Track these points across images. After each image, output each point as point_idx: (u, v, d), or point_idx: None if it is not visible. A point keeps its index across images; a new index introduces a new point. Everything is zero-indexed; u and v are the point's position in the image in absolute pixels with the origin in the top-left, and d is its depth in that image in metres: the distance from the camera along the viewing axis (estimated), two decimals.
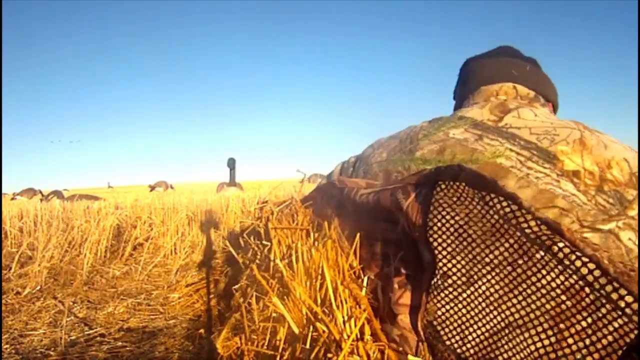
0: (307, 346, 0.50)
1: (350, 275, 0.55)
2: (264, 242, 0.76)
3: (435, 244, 0.44)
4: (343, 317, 0.48)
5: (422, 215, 0.44)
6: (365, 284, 0.53)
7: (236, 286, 1.01)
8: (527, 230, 0.38)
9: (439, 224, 0.43)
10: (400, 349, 0.45)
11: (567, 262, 0.36)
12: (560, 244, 0.36)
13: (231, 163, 6.19)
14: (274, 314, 0.61)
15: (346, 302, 0.49)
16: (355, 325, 0.46)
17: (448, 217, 0.43)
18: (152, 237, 2.40)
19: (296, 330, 0.52)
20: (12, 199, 8.19)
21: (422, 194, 0.45)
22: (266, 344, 0.59)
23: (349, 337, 0.45)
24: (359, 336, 0.46)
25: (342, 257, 0.56)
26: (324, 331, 0.48)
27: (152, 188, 9.79)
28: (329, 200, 0.65)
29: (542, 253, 0.38)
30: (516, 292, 0.40)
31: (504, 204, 0.39)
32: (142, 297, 1.71)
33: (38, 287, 1.77)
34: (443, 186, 0.43)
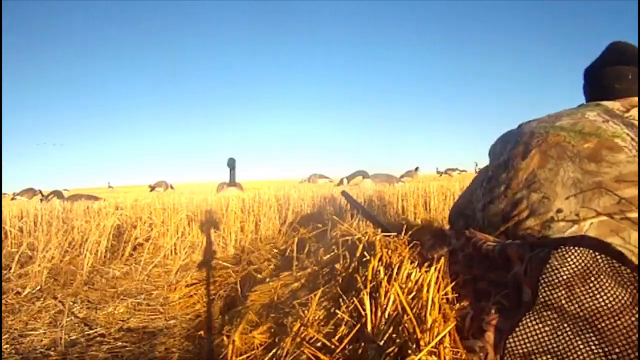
0: (381, 344, 0.55)
1: (444, 298, 0.62)
2: (364, 253, 0.81)
3: (543, 285, 0.51)
4: (431, 323, 0.55)
5: (540, 264, 0.53)
6: (456, 306, 0.60)
7: (274, 279, 1.04)
8: (630, 286, 0.46)
9: (552, 273, 0.52)
10: (480, 355, 0.52)
11: None
12: None
13: (231, 163, 6.19)
14: (336, 312, 0.66)
15: (436, 314, 0.57)
16: (440, 332, 0.53)
17: (560, 268, 0.51)
18: (152, 237, 2.40)
19: (369, 329, 0.59)
20: (12, 199, 8.19)
21: (544, 251, 0.54)
22: (322, 336, 0.64)
23: (432, 340, 0.52)
24: (440, 341, 0.52)
25: (439, 285, 0.63)
26: (407, 332, 0.55)
27: (152, 188, 9.79)
28: (441, 245, 0.75)
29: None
30: (595, 339, 0.46)
31: (613, 261, 0.48)
32: (142, 297, 1.72)
33: (38, 287, 1.77)
34: (564, 248, 0.52)
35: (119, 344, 1.27)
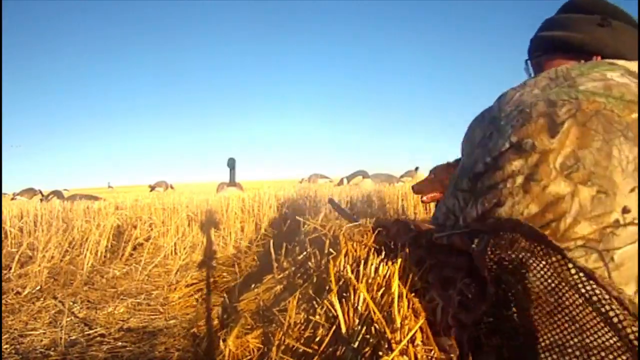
0: (355, 345, 0.54)
1: (413, 291, 0.60)
2: (330, 250, 0.80)
3: (489, 277, 0.49)
4: (401, 321, 0.54)
5: (481, 255, 0.50)
6: (426, 298, 0.59)
7: (258, 284, 1.04)
8: (570, 279, 0.43)
9: (493, 265, 0.50)
10: (450, 356, 0.50)
11: (599, 308, 0.41)
12: (597, 291, 0.41)
13: (231, 163, 6.18)
14: (312, 316, 0.65)
15: (406, 311, 0.56)
16: (410, 330, 0.52)
17: (501, 260, 0.49)
18: (152, 237, 2.40)
19: (344, 330, 0.57)
20: (12, 199, 8.18)
21: (484, 240, 0.51)
22: (302, 342, 0.63)
23: (402, 339, 0.51)
24: (411, 340, 0.51)
25: (407, 276, 0.62)
26: (378, 332, 0.53)
27: (152, 188, 9.78)
28: (406, 232, 0.72)
29: (580, 299, 0.42)
30: (549, 330, 0.44)
31: (551, 254, 0.45)
32: (142, 297, 1.72)
33: (38, 287, 1.77)
34: (502, 234, 0.49)
35: (119, 343, 1.27)
